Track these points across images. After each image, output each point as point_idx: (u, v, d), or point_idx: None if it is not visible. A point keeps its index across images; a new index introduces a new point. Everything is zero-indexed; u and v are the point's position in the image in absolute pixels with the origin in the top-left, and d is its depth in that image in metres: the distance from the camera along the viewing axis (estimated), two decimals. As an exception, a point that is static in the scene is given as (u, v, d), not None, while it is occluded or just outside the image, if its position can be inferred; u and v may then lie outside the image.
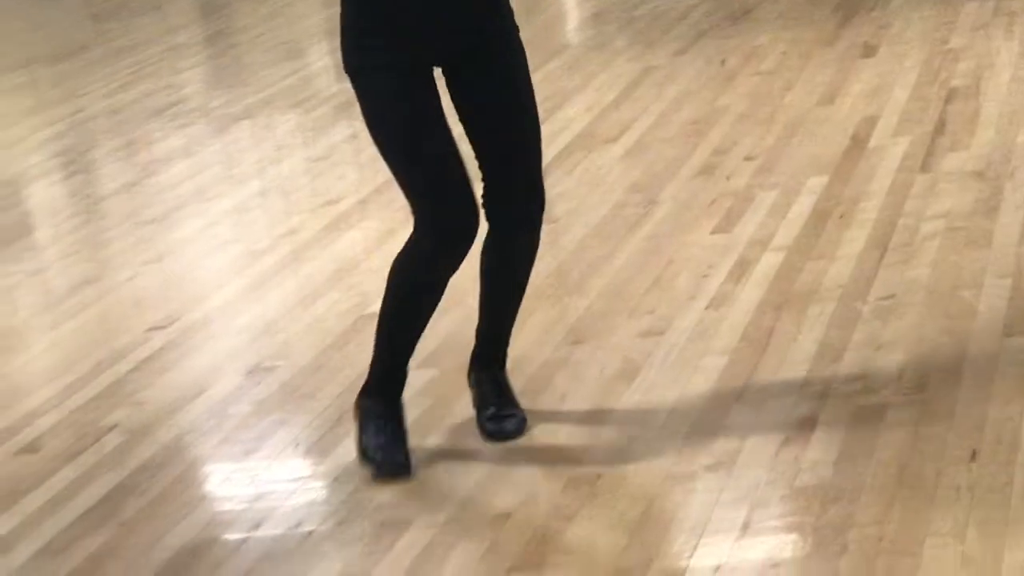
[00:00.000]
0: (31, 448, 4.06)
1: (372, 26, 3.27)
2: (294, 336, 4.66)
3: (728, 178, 5.44)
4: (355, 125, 6.81)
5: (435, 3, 3.26)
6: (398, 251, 3.49)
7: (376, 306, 3.61)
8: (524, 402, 3.82)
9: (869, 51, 6.89)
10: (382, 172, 4.13)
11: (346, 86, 3.50)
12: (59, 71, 9.63)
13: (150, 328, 4.81)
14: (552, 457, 3.55)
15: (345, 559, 3.27)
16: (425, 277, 3.46)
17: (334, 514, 3.44)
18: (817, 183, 5.19)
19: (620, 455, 3.46)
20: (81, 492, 3.75)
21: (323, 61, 8.97)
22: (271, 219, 6.16)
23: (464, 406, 3.76)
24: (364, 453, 3.51)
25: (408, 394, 3.64)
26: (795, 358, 3.81)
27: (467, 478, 3.54)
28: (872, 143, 5.57)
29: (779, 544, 3.00)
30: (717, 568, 2.92)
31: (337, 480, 3.63)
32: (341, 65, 3.38)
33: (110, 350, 4.70)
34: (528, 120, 3.42)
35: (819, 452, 3.29)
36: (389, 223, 5.48)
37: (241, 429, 3.96)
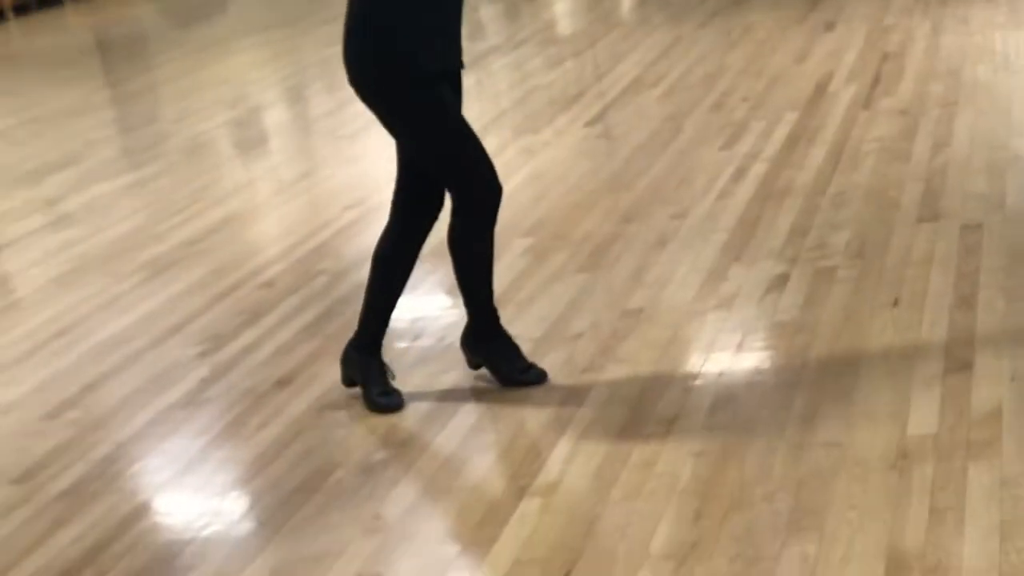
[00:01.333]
0: (268, 284, 4.10)
1: (424, 40, 2.75)
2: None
3: (731, 112, 5.34)
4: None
5: (457, 25, 2.80)
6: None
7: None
8: (591, 261, 3.80)
9: (829, 27, 6.72)
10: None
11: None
12: (286, 34, 9.58)
13: (346, 207, 4.82)
14: (611, 298, 3.53)
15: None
16: (480, 238, 2.91)
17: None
18: (792, 116, 5.07)
19: (656, 297, 3.44)
20: (302, 313, 3.78)
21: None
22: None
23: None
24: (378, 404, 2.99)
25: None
26: (775, 234, 3.76)
27: (548, 309, 3.48)
28: (830, 89, 5.42)
29: (763, 358, 3.00)
30: (720, 374, 2.93)
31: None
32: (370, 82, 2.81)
33: (319, 221, 4.71)
34: None
35: (791, 298, 3.26)
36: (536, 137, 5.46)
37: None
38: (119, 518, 2.65)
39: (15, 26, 13.03)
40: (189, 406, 3.23)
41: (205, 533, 2.53)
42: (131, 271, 4.53)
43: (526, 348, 3.10)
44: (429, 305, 3.68)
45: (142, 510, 2.69)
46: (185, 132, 6.95)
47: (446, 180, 2.86)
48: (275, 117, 7.18)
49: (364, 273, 3.91)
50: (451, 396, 3.05)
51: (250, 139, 6.57)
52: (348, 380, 3.04)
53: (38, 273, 4.71)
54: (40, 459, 2.98)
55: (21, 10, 13.51)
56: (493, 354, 2.98)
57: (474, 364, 3.04)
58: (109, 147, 6.99)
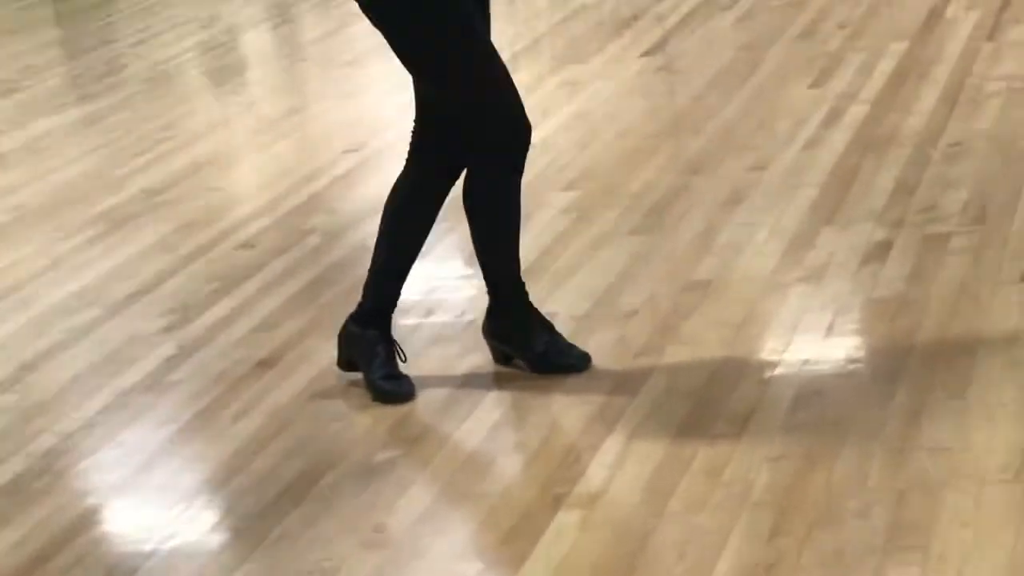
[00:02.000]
0: (247, 244, 4.17)
1: None
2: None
3: (823, 42, 5.38)
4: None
5: None
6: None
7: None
8: (649, 221, 3.86)
9: None
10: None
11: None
12: None
13: (345, 150, 4.88)
14: (672, 266, 3.58)
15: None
16: (505, 182, 2.96)
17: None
18: (899, 47, 5.11)
19: (727, 266, 3.49)
20: (288, 281, 3.85)
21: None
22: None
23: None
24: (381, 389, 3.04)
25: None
26: (875, 192, 3.80)
27: (594, 281, 3.54)
28: (947, 15, 5.47)
29: (857, 344, 3.03)
30: (805, 362, 2.96)
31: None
32: None
33: (311, 167, 4.78)
34: None
35: (894, 270, 3.30)
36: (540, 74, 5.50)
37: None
38: (65, 524, 2.71)
39: None
40: (151, 390, 3.31)
41: (169, 545, 2.58)
42: (81, 225, 4.60)
43: (566, 329, 3.14)
44: (448, 273, 3.75)
45: (93, 515, 2.77)
46: (147, 57, 7.08)
47: (463, 113, 2.90)
48: (256, 41, 7.32)
49: (366, 231, 3.91)
50: (472, 383, 3.10)
51: (226, 67, 6.71)
52: (347, 362, 3.10)
53: None
54: None
55: None
56: (522, 337, 3.02)
57: (500, 355, 3.08)
58: (53, 75, 7.12)
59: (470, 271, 3.55)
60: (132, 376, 3.39)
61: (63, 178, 5.20)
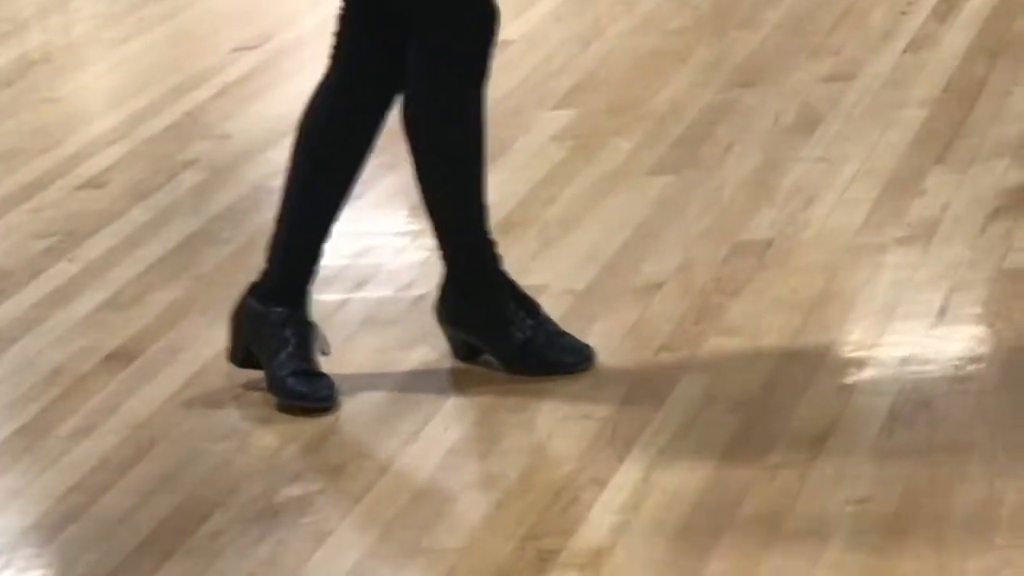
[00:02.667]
0: (95, 183, 4.17)
1: None
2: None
3: None
4: None
5: None
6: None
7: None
8: (682, 153, 3.87)
9: None
10: None
11: None
12: None
13: (235, 48, 4.88)
14: (712, 220, 3.58)
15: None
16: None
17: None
18: None
19: (794, 220, 3.49)
20: (153, 237, 3.85)
21: None
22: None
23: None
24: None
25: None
26: (1009, 115, 3.80)
27: (602, 238, 3.57)
28: None
29: (981, 335, 3.01)
30: (906, 359, 2.94)
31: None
32: None
33: (188, 72, 4.78)
34: None
35: None
36: None
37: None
38: None
39: None
40: None
41: None
42: None
43: (558, 310, 3.18)
44: (387, 227, 3.82)
45: None
46: None
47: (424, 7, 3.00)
48: None
49: (269, 165, 3.96)
50: (422, 387, 3.13)
51: None
52: (242, 353, 3.15)
53: None
54: None
55: None
56: (492, 322, 3.08)
57: (462, 347, 3.16)
58: None
59: (417, 226, 3.57)
60: None
61: None
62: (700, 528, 2.56)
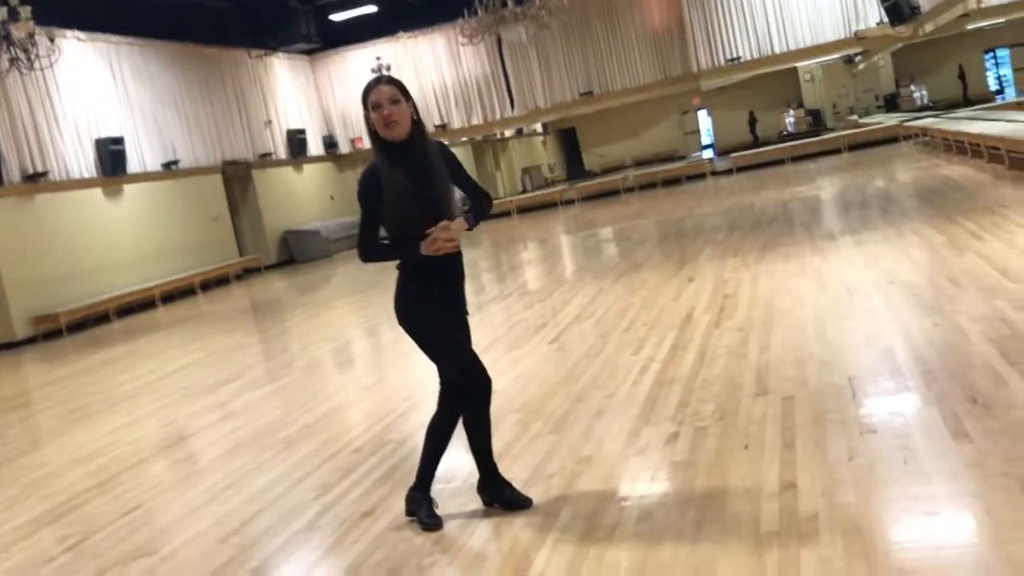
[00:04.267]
0: (357, 450, 4.66)
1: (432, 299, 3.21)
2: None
3: (636, 332, 6.35)
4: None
5: (456, 287, 3.29)
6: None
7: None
8: (556, 427, 4.35)
9: (691, 279, 8.10)
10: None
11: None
12: (365, 295, 11.09)
13: (404, 399, 5.63)
14: (569, 450, 4.05)
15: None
16: (450, 419, 3.28)
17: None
18: (672, 333, 6.13)
19: (599, 448, 4.03)
20: (378, 468, 4.39)
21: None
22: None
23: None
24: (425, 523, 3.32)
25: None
26: (668, 406, 4.43)
27: (531, 459, 3.98)
28: (694, 316, 6.45)
29: (667, 486, 3.40)
30: (642, 496, 3.31)
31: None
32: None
33: (388, 408, 5.65)
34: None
35: (681, 446, 3.75)
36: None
37: (449, 442, 3.84)
38: None
39: (202, 297, 16.56)
40: (308, 531, 3.70)
41: None
42: (272, 445, 5.25)
43: (518, 484, 3.64)
44: (457, 461, 4.06)
45: None
46: (305, 357, 8.34)
47: (450, 372, 3.26)
48: (359, 346, 8.48)
49: (418, 441, 4.29)
50: (472, 516, 3.53)
51: (344, 360, 7.86)
52: (409, 511, 3.49)
53: (214, 449, 5.51)
54: (215, 570, 3.48)
55: (205, 287, 18.26)
56: (497, 492, 3.42)
57: (486, 502, 3.44)
58: (258, 368, 8.34)
59: (469, 460, 3.83)
60: (298, 524, 3.75)
61: (263, 422, 5.94)
62: (575, 563, 2.87)
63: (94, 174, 17.49)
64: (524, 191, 30.23)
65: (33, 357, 13.11)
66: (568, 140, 35.48)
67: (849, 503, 2.94)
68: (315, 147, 24.64)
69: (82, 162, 17.31)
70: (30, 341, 15.16)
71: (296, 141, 22.12)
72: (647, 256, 10.29)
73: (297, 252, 21.24)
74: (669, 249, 10.46)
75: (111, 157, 17.29)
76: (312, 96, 25.15)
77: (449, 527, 3.41)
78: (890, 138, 20.28)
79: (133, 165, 18.33)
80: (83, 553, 3.96)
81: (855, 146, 20.60)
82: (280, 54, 23.61)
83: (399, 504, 3.50)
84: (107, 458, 5.67)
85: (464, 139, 27.84)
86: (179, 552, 3.75)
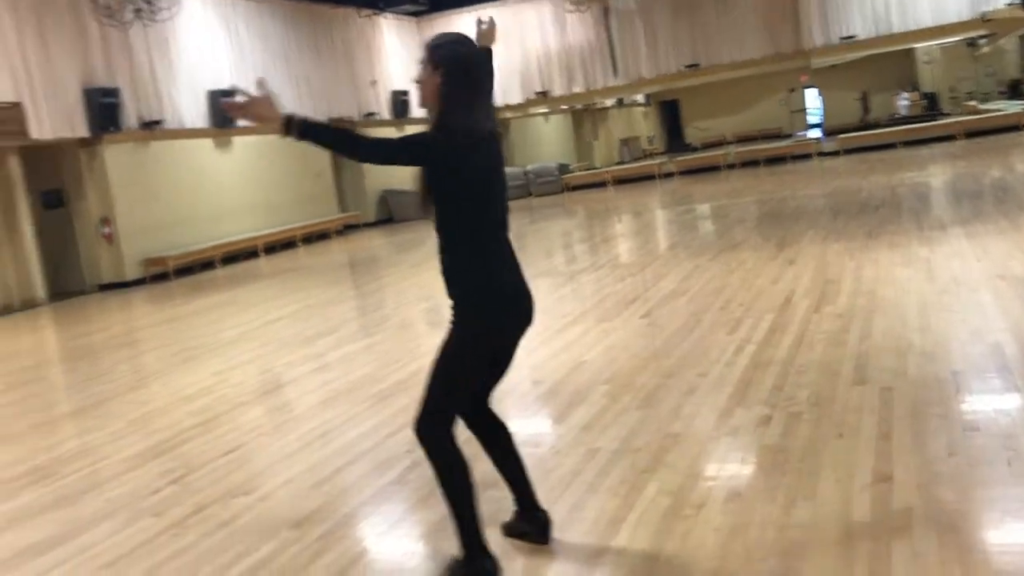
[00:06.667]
0: None
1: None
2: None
3: (732, 312, 6.51)
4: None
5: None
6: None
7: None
8: (645, 403, 4.38)
9: (792, 262, 8.06)
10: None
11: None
12: None
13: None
14: (658, 425, 4.08)
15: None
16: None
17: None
18: (770, 316, 6.11)
19: (688, 426, 4.06)
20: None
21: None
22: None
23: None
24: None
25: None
26: (762, 389, 4.45)
27: (620, 431, 4.04)
28: (793, 300, 6.48)
29: (757, 469, 3.36)
30: (731, 477, 3.27)
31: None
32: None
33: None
34: (432, 366, 2.64)
35: (774, 430, 3.75)
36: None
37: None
38: (355, 553, 3.19)
39: (303, 250, 17.24)
40: (398, 484, 3.79)
41: (411, 564, 3.02)
42: (365, 399, 5.35)
43: (606, 456, 3.70)
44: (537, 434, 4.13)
45: (366, 549, 3.24)
46: (399, 315, 8.51)
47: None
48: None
49: (507, 407, 4.49)
50: (556, 486, 3.48)
51: (437, 320, 7.68)
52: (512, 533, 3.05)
53: (309, 398, 5.64)
54: (307, 515, 3.55)
55: (306, 240, 19.32)
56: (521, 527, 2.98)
57: (516, 532, 3.00)
58: (353, 323, 8.55)
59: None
60: (389, 476, 3.85)
61: (356, 375, 6.11)
62: (665, 522, 2.92)
63: (206, 125, 18.03)
64: (621, 162, 30.02)
65: (142, 298, 13.69)
66: (669, 112, 35.12)
67: (947, 500, 2.88)
68: (417, 110, 24.77)
69: (195, 113, 17.92)
70: (139, 283, 15.76)
71: (399, 103, 22.35)
72: (746, 236, 10.23)
73: (396, 211, 21.59)
74: (769, 230, 10.36)
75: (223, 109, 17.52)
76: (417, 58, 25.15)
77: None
78: (1011, 126, 19.51)
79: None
80: (186, 487, 4.16)
81: (972, 133, 19.84)
82: (388, 14, 23.85)
83: (487, 463, 3.13)
84: (209, 399, 5.94)
85: (564, 107, 27.70)
86: (274, 494, 3.89)
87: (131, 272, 16.14)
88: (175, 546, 3.45)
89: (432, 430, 2.57)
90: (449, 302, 2.53)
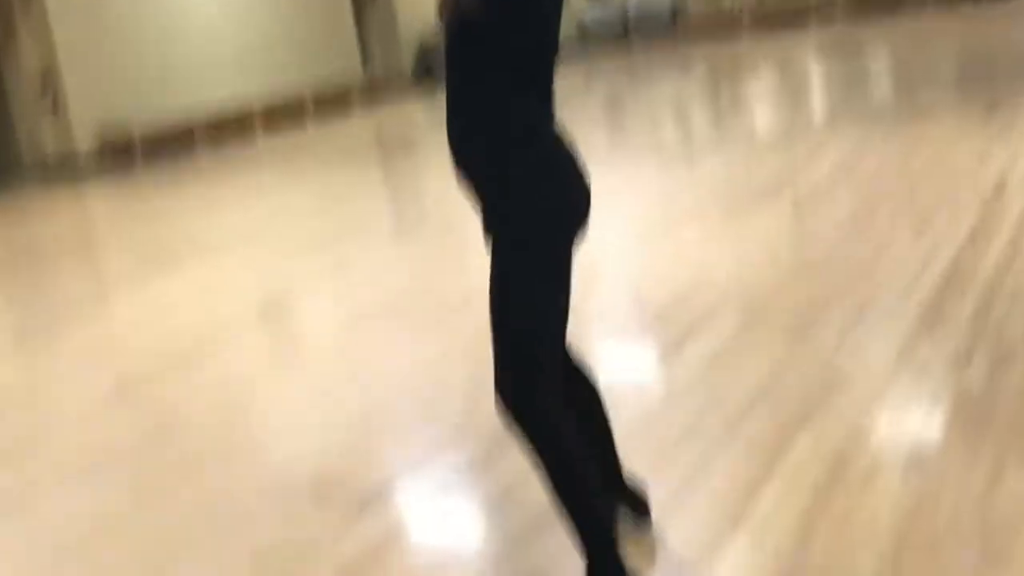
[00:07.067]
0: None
1: None
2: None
3: (919, 206, 6.30)
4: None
5: (467, 185, 2.61)
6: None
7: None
8: (796, 332, 4.44)
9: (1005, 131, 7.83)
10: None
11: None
12: None
13: None
14: (814, 360, 4.16)
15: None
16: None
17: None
18: (971, 214, 5.98)
19: (855, 364, 4.12)
20: None
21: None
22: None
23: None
24: None
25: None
26: (960, 316, 4.43)
27: (758, 369, 4.15)
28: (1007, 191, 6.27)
29: (951, 423, 3.38)
30: (915, 433, 3.31)
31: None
32: None
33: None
34: (494, 299, 2.58)
35: (976, 372, 3.76)
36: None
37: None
38: (390, 528, 3.31)
39: (314, 121, 17.53)
40: (449, 438, 3.94)
41: (461, 544, 3.14)
42: (401, 324, 5.51)
43: (740, 405, 3.73)
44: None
45: (404, 525, 3.36)
46: (440, 213, 8.75)
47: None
48: None
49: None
50: (665, 443, 3.59)
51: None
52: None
53: (327, 322, 5.93)
54: (329, 479, 3.69)
55: (318, 107, 19.74)
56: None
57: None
58: (382, 221, 9.03)
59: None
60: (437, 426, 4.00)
61: (389, 290, 6.38)
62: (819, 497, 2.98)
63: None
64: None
65: (101, 184, 13.92)
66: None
67: None
68: None
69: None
70: (96, 162, 15.70)
71: None
72: (938, 99, 10.42)
73: (438, 66, 21.39)
74: (973, 91, 10.44)
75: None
76: None
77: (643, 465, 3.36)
78: None
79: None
80: (166, 442, 4.39)
81: None
82: None
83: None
84: (195, 322, 6.17)
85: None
86: (283, 452, 4.08)
87: (83, 144, 16.14)
88: (153, 522, 3.57)
89: (531, 396, 2.46)
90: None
